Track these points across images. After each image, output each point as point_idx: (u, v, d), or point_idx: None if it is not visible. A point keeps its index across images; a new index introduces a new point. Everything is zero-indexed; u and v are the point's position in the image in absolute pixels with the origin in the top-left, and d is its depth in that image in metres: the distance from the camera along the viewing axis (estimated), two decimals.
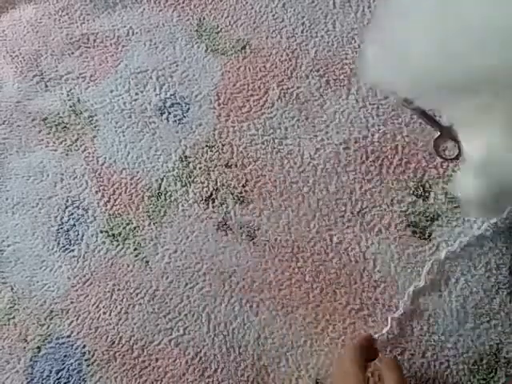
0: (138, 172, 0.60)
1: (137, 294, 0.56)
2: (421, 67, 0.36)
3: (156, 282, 0.56)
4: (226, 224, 0.57)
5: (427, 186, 0.55)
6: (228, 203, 0.57)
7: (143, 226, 0.58)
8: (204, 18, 0.66)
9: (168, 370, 0.53)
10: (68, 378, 0.54)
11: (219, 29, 0.65)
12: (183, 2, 0.67)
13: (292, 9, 0.64)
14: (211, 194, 0.58)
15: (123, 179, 0.60)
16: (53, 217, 0.60)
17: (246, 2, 0.65)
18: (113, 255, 0.58)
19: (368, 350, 0.48)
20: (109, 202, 0.60)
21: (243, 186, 0.58)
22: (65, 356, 0.55)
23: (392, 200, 0.55)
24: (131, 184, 0.60)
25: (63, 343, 0.56)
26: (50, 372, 0.55)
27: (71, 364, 0.55)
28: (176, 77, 0.64)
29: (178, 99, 0.63)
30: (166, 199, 0.59)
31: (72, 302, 0.57)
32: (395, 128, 0.57)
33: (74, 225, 0.60)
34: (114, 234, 0.58)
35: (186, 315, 0.55)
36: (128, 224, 0.58)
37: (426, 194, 0.55)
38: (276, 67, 0.62)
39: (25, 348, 0.56)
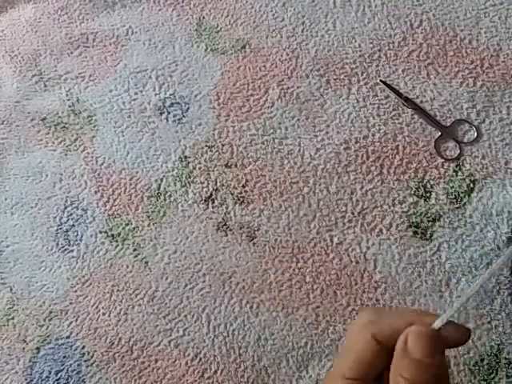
0: (137, 172, 0.60)
1: (136, 295, 0.56)
2: None
3: (155, 282, 0.56)
4: (225, 224, 0.56)
5: (428, 186, 0.55)
6: (228, 203, 0.57)
7: (142, 227, 0.58)
8: (204, 18, 0.66)
9: (168, 371, 0.53)
10: (67, 378, 0.54)
11: (219, 28, 0.65)
12: (183, 2, 0.67)
13: (292, 8, 0.64)
14: (211, 195, 0.58)
15: (122, 179, 0.60)
16: (52, 217, 0.60)
17: (246, 1, 0.65)
18: (112, 256, 0.57)
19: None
20: (108, 202, 0.59)
21: (243, 186, 0.58)
22: (64, 357, 0.55)
23: (393, 200, 0.55)
24: (130, 184, 0.60)
25: (62, 344, 0.55)
26: (50, 373, 0.55)
27: (70, 365, 0.55)
28: (175, 76, 0.63)
29: (178, 99, 0.62)
30: (165, 199, 0.58)
31: (71, 303, 0.57)
32: (396, 128, 0.57)
33: (73, 225, 0.59)
34: (113, 235, 0.58)
35: (185, 316, 0.54)
36: (127, 224, 0.58)
37: (427, 195, 0.55)
38: (276, 67, 0.62)
39: (24, 349, 0.56)
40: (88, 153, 0.62)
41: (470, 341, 0.50)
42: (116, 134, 0.62)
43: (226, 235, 0.56)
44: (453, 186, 0.54)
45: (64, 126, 0.64)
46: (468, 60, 0.58)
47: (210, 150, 0.59)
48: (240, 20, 0.64)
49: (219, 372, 0.52)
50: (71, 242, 0.59)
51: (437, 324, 0.28)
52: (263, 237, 0.55)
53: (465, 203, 0.54)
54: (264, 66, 0.62)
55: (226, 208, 0.57)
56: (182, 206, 0.58)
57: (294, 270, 0.54)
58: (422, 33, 0.60)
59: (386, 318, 0.29)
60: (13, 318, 0.57)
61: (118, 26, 0.67)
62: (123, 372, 0.54)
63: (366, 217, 0.55)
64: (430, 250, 0.53)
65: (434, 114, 0.57)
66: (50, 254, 0.59)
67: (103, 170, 0.61)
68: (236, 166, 0.58)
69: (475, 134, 0.56)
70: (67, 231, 0.59)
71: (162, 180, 0.59)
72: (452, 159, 0.55)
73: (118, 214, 0.59)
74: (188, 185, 0.59)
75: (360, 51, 0.61)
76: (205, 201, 0.58)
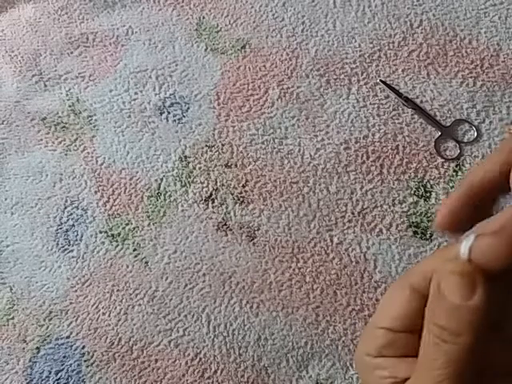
0: (137, 172, 0.60)
1: (136, 295, 0.56)
2: None
3: (155, 282, 0.56)
4: (225, 224, 0.56)
5: (428, 186, 0.55)
6: (228, 203, 0.57)
7: (142, 227, 0.58)
8: (204, 17, 0.66)
9: (167, 371, 0.53)
10: (67, 378, 0.54)
11: (219, 28, 0.65)
12: (183, 1, 0.67)
13: (292, 8, 0.64)
14: (211, 194, 0.58)
15: (122, 179, 0.60)
16: (52, 217, 0.60)
17: (246, 1, 0.65)
18: (112, 256, 0.57)
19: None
20: (108, 202, 0.59)
21: (243, 186, 0.58)
22: (64, 357, 0.55)
23: (393, 200, 0.55)
24: (130, 184, 0.60)
25: (62, 344, 0.55)
26: (50, 373, 0.55)
27: (70, 365, 0.55)
28: (175, 76, 0.63)
29: (178, 99, 0.62)
30: (165, 199, 0.58)
31: (71, 303, 0.57)
32: (396, 128, 0.57)
33: (73, 225, 0.59)
34: (113, 235, 0.58)
35: (185, 316, 0.54)
36: (127, 224, 0.58)
37: (427, 195, 0.55)
38: (276, 67, 0.62)
39: (24, 349, 0.56)
40: (88, 153, 0.62)
41: None
42: (116, 133, 0.62)
43: (226, 235, 0.56)
44: (453, 186, 0.54)
45: (64, 126, 0.64)
46: (468, 60, 0.58)
47: (210, 150, 0.59)
48: (240, 20, 0.64)
49: (219, 372, 0.52)
50: (71, 242, 0.59)
51: (463, 250, 0.21)
52: (263, 237, 0.55)
53: None
54: (264, 65, 0.62)
55: (226, 208, 0.57)
56: (182, 205, 0.58)
57: (293, 269, 0.54)
58: (421, 33, 0.60)
59: (421, 263, 0.25)
60: (13, 318, 0.57)
61: (118, 26, 0.67)
62: (123, 372, 0.54)
63: (366, 217, 0.55)
64: (430, 250, 0.53)
65: (434, 113, 0.57)
66: (50, 253, 0.59)
67: (103, 170, 0.61)
68: (236, 165, 0.58)
69: (475, 134, 0.56)
70: (67, 231, 0.59)
71: (161, 180, 0.59)
72: (452, 159, 0.55)
73: (117, 213, 0.59)
74: (188, 185, 0.59)
75: (360, 51, 0.60)
76: (205, 201, 0.58)
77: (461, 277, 0.22)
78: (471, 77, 0.58)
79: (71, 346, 0.55)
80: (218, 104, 0.61)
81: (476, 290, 0.21)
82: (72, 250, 0.58)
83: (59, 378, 0.54)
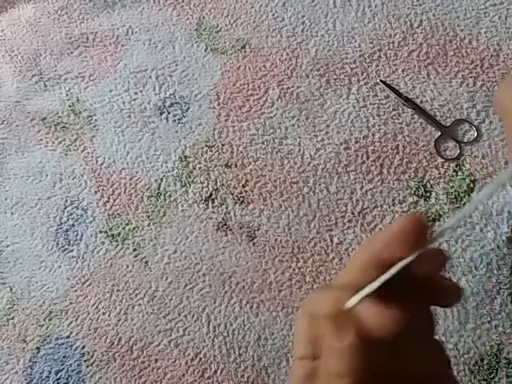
0: (137, 172, 0.60)
1: (136, 295, 0.56)
2: None
3: (155, 282, 0.56)
4: (225, 224, 0.56)
5: (428, 186, 0.55)
6: (228, 203, 0.57)
7: (142, 227, 0.58)
8: (204, 17, 0.66)
9: (167, 370, 0.53)
10: (67, 378, 0.54)
11: (219, 28, 0.65)
12: (183, 1, 0.67)
13: (292, 8, 0.64)
14: (211, 194, 0.58)
15: (122, 179, 0.60)
16: (52, 217, 0.60)
17: (246, 1, 0.65)
18: (112, 255, 0.57)
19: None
20: (108, 202, 0.59)
21: (243, 186, 0.58)
22: (64, 357, 0.55)
23: (393, 200, 0.55)
24: (130, 184, 0.60)
25: (62, 344, 0.55)
26: (50, 373, 0.55)
27: (70, 365, 0.55)
28: (175, 76, 0.63)
29: (178, 99, 0.62)
30: (165, 199, 0.58)
31: (71, 303, 0.57)
32: (396, 128, 0.57)
33: (73, 225, 0.59)
34: (113, 235, 0.58)
35: (185, 316, 0.54)
36: (127, 224, 0.58)
37: (427, 194, 0.55)
38: (276, 67, 0.62)
39: (24, 349, 0.56)
40: (88, 153, 0.62)
41: (470, 341, 0.50)
42: (116, 133, 0.62)
43: (226, 235, 0.56)
44: (453, 186, 0.55)
45: (64, 126, 0.64)
46: (468, 60, 0.58)
47: (210, 150, 0.59)
48: (240, 20, 0.64)
49: (219, 372, 0.52)
50: (71, 242, 0.59)
51: (351, 302, 0.23)
52: (263, 237, 0.55)
53: (465, 203, 0.54)
54: (264, 65, 0.62)
55: (226, 208, 0.57)
56: (182, 205, 0.58)
57: (293, 269, 0.54)
58: (421, 33, 0.60)
59: (317, 294, 0.26)
60: (13, 318, 0.57)
61: (118, 26, 0.67)
62: (123, 372, 0.54)
63: (366, 217, 0.55)
64: None
65: (434, 113, 0.57)
66: (50, 253, 0.59)
67: (103, 170, 0.61)
68: (236, 165, 0.58)
69: (475, 134, 0.56)
70: (67, 231, 0.59)
71: (161, 180, 0.59)
72: (452, 159, 0.55)
73: (118, 213, 0.59)
74: (188, 185, 0.59)
75: (360, 51, 0.61)
76: (205, 201, 0.58)
77: (335, 319, 0.23)
78: (471, 77, 0.58)
79: (71, 345, 0.55)
80: (218, 104, 0.61)
81: (350, 331, 0.22)
82: (72, 250, 0.58)
83: (59, 378, 0.54)
